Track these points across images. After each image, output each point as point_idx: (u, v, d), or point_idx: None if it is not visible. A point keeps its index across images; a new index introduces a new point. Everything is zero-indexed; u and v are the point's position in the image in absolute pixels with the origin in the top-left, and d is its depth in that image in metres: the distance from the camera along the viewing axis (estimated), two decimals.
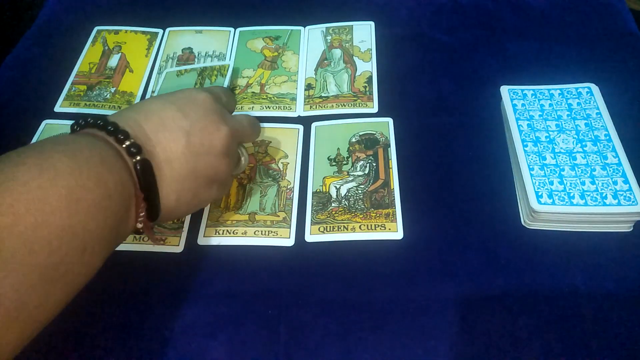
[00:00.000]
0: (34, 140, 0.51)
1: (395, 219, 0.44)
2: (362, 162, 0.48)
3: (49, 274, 0.28)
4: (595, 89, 0.49)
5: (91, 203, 0.30)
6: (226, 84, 0.53)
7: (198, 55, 0.58)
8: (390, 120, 0.51)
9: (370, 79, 0.55)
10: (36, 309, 0.28)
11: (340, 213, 0.45)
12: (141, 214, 0.34)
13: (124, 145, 0.33)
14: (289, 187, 0.47)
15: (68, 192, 0.29)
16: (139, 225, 0.35)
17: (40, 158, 0.29)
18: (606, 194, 0.42)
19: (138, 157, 0.33)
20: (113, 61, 0.58)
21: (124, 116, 0.35)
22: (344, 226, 0.44)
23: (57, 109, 0.54)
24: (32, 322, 0.28)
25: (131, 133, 0.33)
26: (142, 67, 0.57)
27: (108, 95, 0.55)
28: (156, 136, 0.35)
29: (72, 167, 0.30)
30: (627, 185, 0.42)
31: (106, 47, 0.59)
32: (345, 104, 0.53)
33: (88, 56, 0.59)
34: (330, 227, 0.44)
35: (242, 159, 0.43)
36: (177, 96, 0.38)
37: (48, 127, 0.52)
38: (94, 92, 0.55)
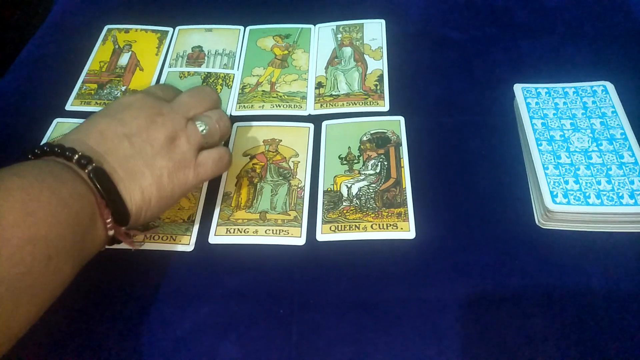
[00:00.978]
0: (45, 138, 0.51)
1: (407, 218, 0.44)
2: (373, 160, 0.48)
3: (16, 285, 0.29)
4: (610, 87, 0.48)
5: (48, 214, 0.31)
6: (234, 94, 0.53)
7: (208, 53, 0.58)
8: (401, 119, 0.51)
9: (381, 77, 0.54)
10: (5, 322, 0.28)
11: (351, 212, 0.44)
12: (108, 221, 0.35)
13: (74, 160, 0.34)
14: (299, 185, 0.46)
15: (23, 205, 0.30)
16: (110, 233, 0.36)
17: None
18: (622, 194, 0.41)
19: (90, 167, 0.34)
20: (123, 60, 0.58)
21: (66, 139, 0.37)
22: (356, 225, 0.43)
23: (68, 107, 0.54)
24: (1, 336, 0.29)
25: (78, 149, 0.35)
26: (152, 65, 0.57)
27: (118, 94, 0.55)
28: (101, 148, 0.36)
29: (23, 183, 0.31)
30: None
31: (116, 46, 0.59)
32: (356, 102, 0.53)
33: (98, 55, 0.59)
34: (341, 226, 0.43)
35: (202, 126, 0.40)
36: (111, 107, 0.40)
37: (59, 126, 0.52)
38: (105, 91, 0.55)
